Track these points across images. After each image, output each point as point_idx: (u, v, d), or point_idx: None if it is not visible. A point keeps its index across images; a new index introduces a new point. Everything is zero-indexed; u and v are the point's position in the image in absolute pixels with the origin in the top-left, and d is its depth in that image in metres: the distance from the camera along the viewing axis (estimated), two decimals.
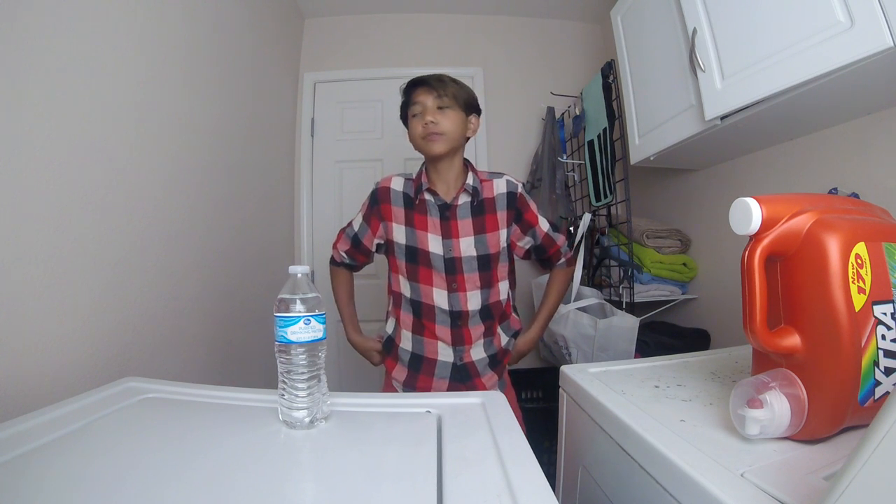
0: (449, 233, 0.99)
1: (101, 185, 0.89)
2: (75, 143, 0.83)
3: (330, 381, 0.57)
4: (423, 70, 2.14)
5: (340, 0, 2.07)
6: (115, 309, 0.92)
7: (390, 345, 1.06)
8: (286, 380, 0.53)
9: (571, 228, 1.72)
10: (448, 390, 0.99)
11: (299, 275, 0.55)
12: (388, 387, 1.07)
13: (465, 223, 0.99)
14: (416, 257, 0.99)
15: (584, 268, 1.63)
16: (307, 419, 0.53)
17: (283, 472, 0.44)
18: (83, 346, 0.84)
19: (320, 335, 0.54)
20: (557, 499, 0.38)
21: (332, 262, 1.14)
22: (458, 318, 0.99)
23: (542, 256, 1.10)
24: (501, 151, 2.12)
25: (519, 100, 2.13)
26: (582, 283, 1.61)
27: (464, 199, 1.00)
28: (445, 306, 0.98)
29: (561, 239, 1.09)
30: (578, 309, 1.44)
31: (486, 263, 0.99)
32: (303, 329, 0.52)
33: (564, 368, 0.77)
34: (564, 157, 1.83)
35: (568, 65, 2.18)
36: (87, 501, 0.38)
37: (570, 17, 2.19)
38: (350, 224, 1.09)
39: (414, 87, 0.99)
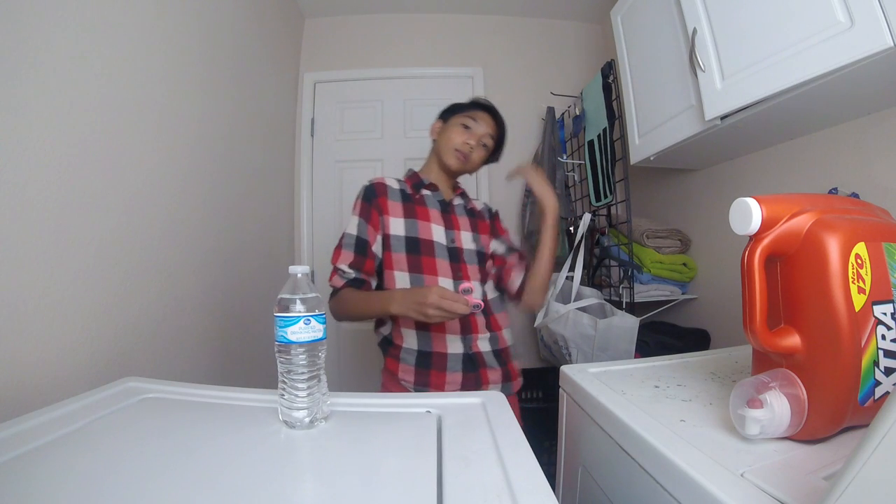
0: (451, 224, 1.04)
1: (100, 186, 0.89)
2: (74, 143, 0.83)
3: (330, 381, 0.57)
4: (424, 70, 2.17)
5: (340, 0, 2.07)
6: (116, 309, 0.92)
7: (388, 345, 1.02)
8: (286, 380, 0.53)
9: (571, 228, 1.72)
10: (463, 382, 0.96)
11: (299, 275, 0.55)
12: (392, 388, 1.00)
13: (462, 219, 1.07)
14: (419, 247, 0.98)
15: (584, 268, 1.63)
16: (307, 419, 0.53)
17: (283, 472, 0.44)
18: (83, 346, 0.84)
19: (320, 335, 0.54)
20: (557, 499, 0.38)
21: (333, 293, 0.97)
22: None
23: (514, 260, 1.08)
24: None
25: (519, 100, 2.13)
26: (582, 283, 1.61)
27: (458, 200, 1.11)
28: None
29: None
30: (578, 309, 1.44)
31: (482, 259, 1.05)
32: (303, 329, 0.52)
33: (564, 368, 0.77)
34: (564, 157, 1.83)
35: (568, 65, 2.18)
36: (87, 501, 0.38)
37: (570, 17, 2.19)
38: (345, 234, 0.98)
39: (483, 108, 1.07)
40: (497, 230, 1.13)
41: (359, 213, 0.99)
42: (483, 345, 1.00)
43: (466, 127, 1.04)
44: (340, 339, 2.05)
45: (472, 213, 1.10)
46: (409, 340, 0.98)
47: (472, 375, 0.97)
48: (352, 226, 0.98)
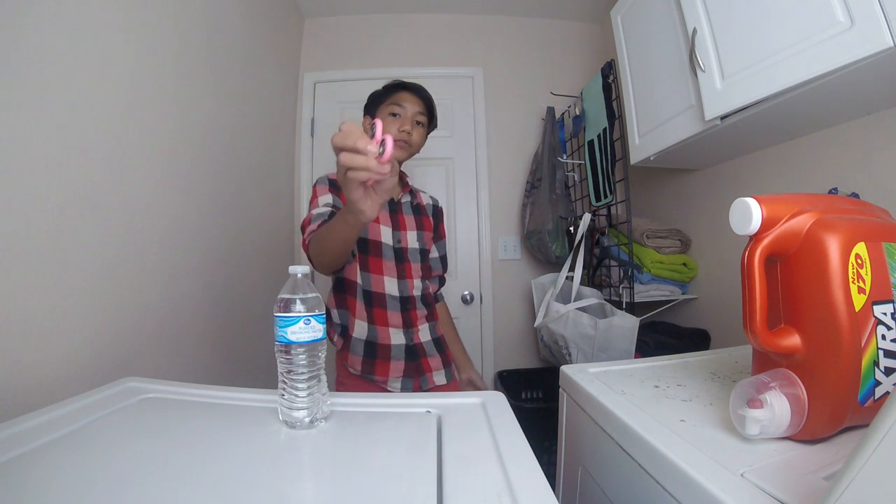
0: (398, 225, 1.09)
1: (100, 185, 0.89)
2: (75, 143, 0.83)
3: (330, 381, 0.57)
4: (424, 70, 2.17)
5: (340, 0, 2.07)
6: (115, 309, 0.92)
7: (345, 332, 1.06)
8: (286, 380, 0.53)
9: (571, 228, 1.72)
10: (405, 370, 1.05)
11: (299, 275, 0.55)
12: (342, 375, 1.07)
13: (409, 218, 1.12)
14: (368, 248, 1.03)
15: (584, 268, 1.63)
16: (307, 419, 0.53)
17: (283, 472, 0.44)
18: (83, 345, 0.84)
19: (320, 335, 0.54)
20: (557, 499, 0.38)
21: (309, 247, 0.88)
22: (406, 303, 1.07)
23: (441, 272, 1.23)
24: (501, 151, 2.12)
25: (519, 100, 2.13)
26: (582, 283, 1.61)
27: (406, 198, 1.14)
28: (396, 293, 1.05)
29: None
30: (578, 309, 1.44)
31: (424, 256, 1.13)
32: (303, 329, 0.52)
33: (564, 368, 0.77)
34: (564, 157, 1.83)
35: (568, 65, 2.18)
36: (86, 501, 0.38)
37: (570, 17, 2.19)
38: (315, 206, 0.96)
39: (403, 89, 1.07)
40: (439, 232, 1.22)
41: (326, 192, 0.99)
42: (424, 335, 1.10)
43: (395, 115, 1.04)
44: None
45: (417, 211, 1.15)
46: (359, 332, 1.04)
47: (413, 364, 1.06)
48: (324, 199, 0.96)
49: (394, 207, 1.10)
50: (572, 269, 1.62)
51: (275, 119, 1.87)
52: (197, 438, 0.51)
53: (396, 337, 1.05)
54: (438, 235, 1.22)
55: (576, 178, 1.87)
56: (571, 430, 0.74)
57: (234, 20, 1.46)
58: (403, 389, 1.04)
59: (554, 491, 0.39)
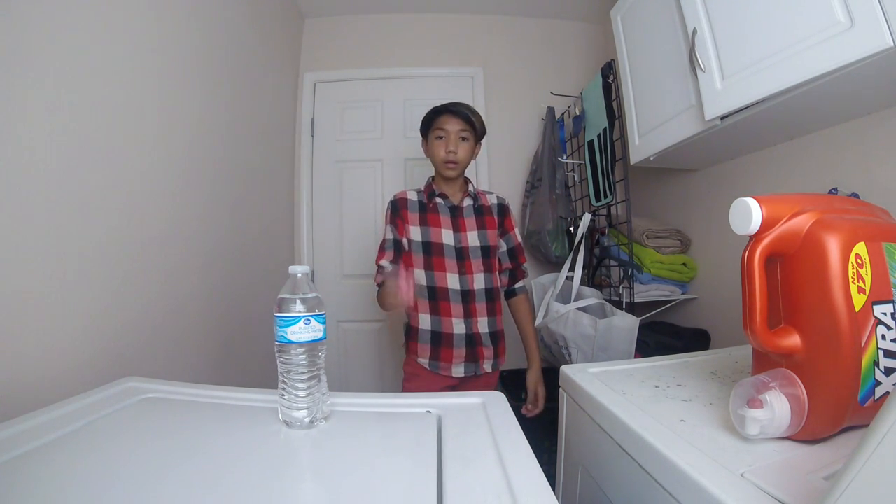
0: (458, 227, 1.21)
1: (100, 186, 0.89)
2: (74, 143, 0.83)
3: (332, 381, 0.57)
4: (424, 70, 2.18)
5: (340, 0, 2.07)
6: (116, 309, 0.92)
7: (409, 329, 1.22)
8: (286, 380, 0.53)
9: (571, 228, 1.72)
10: (466, 356, 1.18)
11: (299, 275, 0.55)
12: (410, 367, 1.21)
13: (469, 220, 1.23)
14: (431, 249, 1.19)
15: (584, 268, 1.63)
16: (307, 419, 0.53)
17: (283, 472, 0.44)
18: (83, 345, 0.84)
19: (320, 335, 0.54)
20: (557, 499, 0.38)
21: (379, 290, 1.17)
22: (467, 296, 1.19)
23: (512, 264, 1.28)
24: (501, 151, 2.12)
25: (519, 100, 2.13)
26: (582, 283, 1.60)
27: (467, 202, 1.25)
28: (457, 287, 1.18)
29: (525, 256, 1.31)
30: (578, 309, 1.44)
31: (487, 252, 1.23)
32: (303, 329, 0.52)
33: (564, 368, 0.78)
34: (564, 157, 1.83)
35: (568, 65, 2.18)
36: (87, 501, 0.38)
37: (570, 17, 2.19)
38: (384, 239, 1.20)
39: (443, 112, 1.19)
40: (505, 227, 1.29)
41: (389, 221, 1.21)
42: (482, 327, 1.20)
43: (440, 137, 1.18)
44: (343, 340, 2.05)
45: (480, 212, 1.25)
46: (425, 324, 1.18)
47: (472, 351, 1.19)
48: (388, 231, 1.20)
49: (455, 212, 1.22)
50: (572, 269, 1.62)
51: (275, 119, 1.87)
52: (197, 438, 0.51)
53: (458, 326, 1.18)
54: (504, 230, 1.30)
55: (576, 178, 1.87)
56: (571, 430, 0.74)
57: (234, 20, 1.46)
58: (466, 373, 1.18)
59: (554, 491, 0.39)
